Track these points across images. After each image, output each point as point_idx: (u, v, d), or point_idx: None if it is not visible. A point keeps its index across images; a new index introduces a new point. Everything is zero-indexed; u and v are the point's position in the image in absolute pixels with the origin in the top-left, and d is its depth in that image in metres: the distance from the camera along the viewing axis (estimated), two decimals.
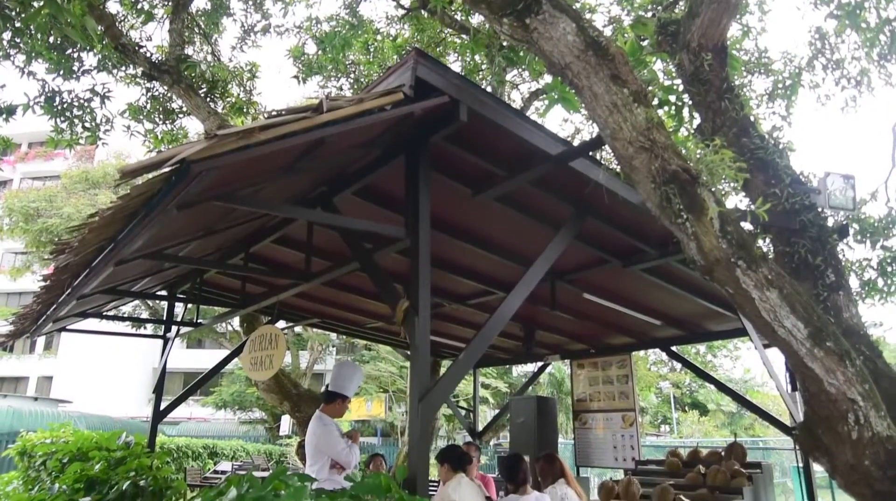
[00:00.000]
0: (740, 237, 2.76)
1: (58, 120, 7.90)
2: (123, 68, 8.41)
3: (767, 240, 4.00)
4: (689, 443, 17.61)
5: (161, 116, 8.86)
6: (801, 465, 6.15)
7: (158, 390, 6.30)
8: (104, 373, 30.98)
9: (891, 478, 2.59)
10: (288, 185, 3.73)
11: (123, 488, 4.70)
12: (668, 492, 5.88)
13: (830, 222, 4.11)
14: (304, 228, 4.67)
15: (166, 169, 2.03)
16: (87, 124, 8.10)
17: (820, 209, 4.00)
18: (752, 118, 4.24)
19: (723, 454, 6.52)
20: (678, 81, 4.15)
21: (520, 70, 10.02)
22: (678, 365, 24.78)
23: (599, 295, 5.80)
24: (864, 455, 2.62)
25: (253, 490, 1.97)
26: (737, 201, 5.03)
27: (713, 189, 2.90)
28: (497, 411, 18.10)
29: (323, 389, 5.44)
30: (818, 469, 6.19)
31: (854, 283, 5.51)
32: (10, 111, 7.29)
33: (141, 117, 8.70)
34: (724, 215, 2.78)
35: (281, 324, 7.41)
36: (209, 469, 17.86)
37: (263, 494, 1.93)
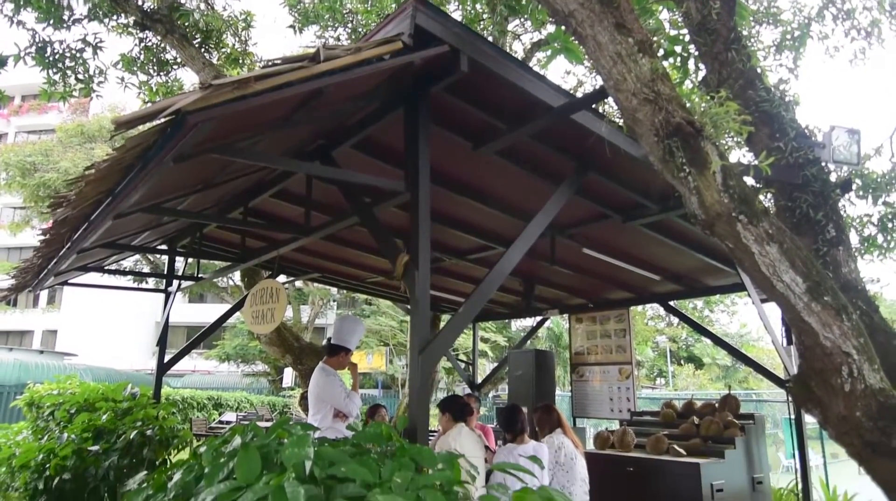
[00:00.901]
0: (742, 192, 2.74)
1: (50, 71, 7.74)
2: (115, 17, 8.18)
3: (769, 195, 3.98)
4: (683, 396, 17.97)
5: (155, 68, 8.68)
6: (792, 417, 6.29)
7: (162, 343, 6.38)
8: (108, 327, 31.35)
9: (881, 429, 2.65)
10: (286, 138, 3.68)
11: (131, 437, 4.82)
12: (661, 441, 6.04)
13: (833, 178, 4.08)
14: (302, 182, 4.64)
15: (161, 120, 1.99)
16: (79, 76, 7.95)
17: (823, 164, 3.96)
18: (758, 70, 4.16)
19: (717, 405, 6.66)
20: (684, 31, 4.05)
21: (522, 19, 9.76)
22: (675, 320, 25.08)
23: (599, 250, 5.81)
24: (856, 406, 2.67)
25: (257, 438, 2.01)
26: (740, 155, 4.98)
27: (717, 143, 2.86)
28: (496, 364, 18.41)
29: (324, 342, 5.51)
30: (809, 420, 6.34)
31: (854, 239, 5.50)
32: (1, 62, 7.13)
33: (135, 69, 8.52)
34: (726, 168, 2.75)
35: (281, 278, 7.44)
36: (214, 420, 18.29)
37: (267, 442, 1.97)
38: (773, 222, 2.74)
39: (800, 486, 6.07)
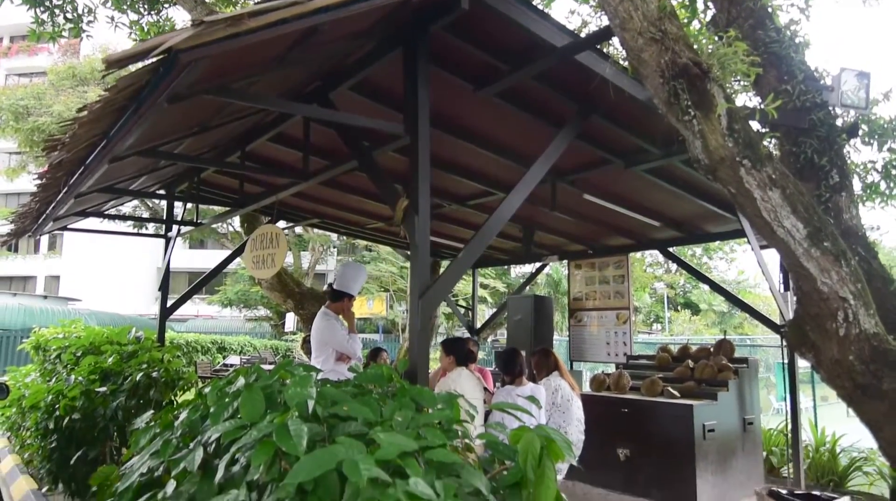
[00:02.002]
0: (747, 136, 2.70)
1: (38, 10, 7.49)
2: None
3: (773, 140, 3.92)
4: (679, 340, 18.29)
5: (146, 7, 8.39)
6: (785, 361, 6.41)
7: (164, 287, 6.43)
8: (110, 272, 31.57)
9: (873, 372, 2.70)
10: (282, 79, 3.59)
11: (137, 379, 4.91)
12: (656, 384, 6.17)
13: (840, 123, 4.01)
14: (300, 125, 4.56)
15: (153, 59, 1.94)
16: (68, 15, 7.70)
17: (831, 108, 3.89)
18: (769, 10, 4.02)
19: (711, 350, 6.78)
20: None
21: None
22: (673, 267, 25.23)
23: (600, 196, 5.78)
24: (850, 350, 2.71)
25: (260, 379, 2.05)
26: (746, 98, 4.88)
27: (723, 85, 2.80)
28: (495, 310, 18.63)
29: (326, 288, 5.55)
30: (801, 364, 6.46)
31: (857, 185, 5.46)
32: None
33: (125, 7, 8.24)
34: (732, 111, 2.70)
35: (281, 224, 7.44)
36: (218, 363, 18.66)
37: (270, 383, 2.01)
38: (777, 167, 2.71)
39: (789, 427, 6.25)
